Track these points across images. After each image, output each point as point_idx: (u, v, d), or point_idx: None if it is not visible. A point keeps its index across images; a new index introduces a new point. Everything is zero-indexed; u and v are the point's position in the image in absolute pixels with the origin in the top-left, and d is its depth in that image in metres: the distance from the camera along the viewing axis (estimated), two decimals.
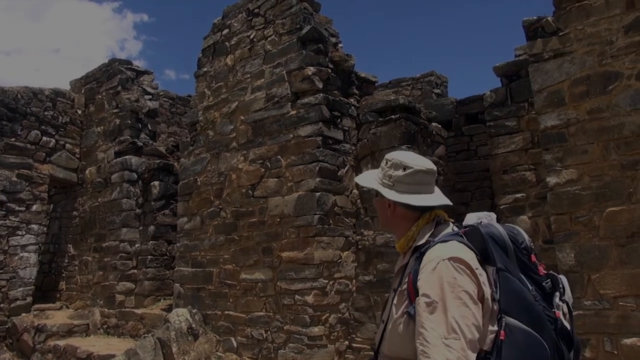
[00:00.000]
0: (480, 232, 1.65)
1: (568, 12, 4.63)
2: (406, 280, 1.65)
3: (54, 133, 10.03)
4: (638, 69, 4.22)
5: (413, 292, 1.59)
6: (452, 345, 1.42)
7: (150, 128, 9.94)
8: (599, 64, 4.42)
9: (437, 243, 1.63)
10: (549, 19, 4.77)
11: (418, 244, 1.70)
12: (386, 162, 1.81)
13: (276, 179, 6.56)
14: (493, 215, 1.78)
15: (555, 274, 1.67)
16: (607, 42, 4.39)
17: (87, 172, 10.17)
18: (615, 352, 4.09)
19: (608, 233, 4.23)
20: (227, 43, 7.70)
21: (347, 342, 6.18)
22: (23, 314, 8.87)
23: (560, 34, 4.67)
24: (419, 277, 1.57)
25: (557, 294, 1.64)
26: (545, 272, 1.64)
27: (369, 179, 1.88)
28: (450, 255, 1.56)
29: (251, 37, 7.32)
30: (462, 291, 1.49)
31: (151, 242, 9.00)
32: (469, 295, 1.49)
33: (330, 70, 6.61)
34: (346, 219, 6.43)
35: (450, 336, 1.43)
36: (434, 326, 1.45)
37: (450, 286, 1.50)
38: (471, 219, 1.86)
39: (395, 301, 1.68)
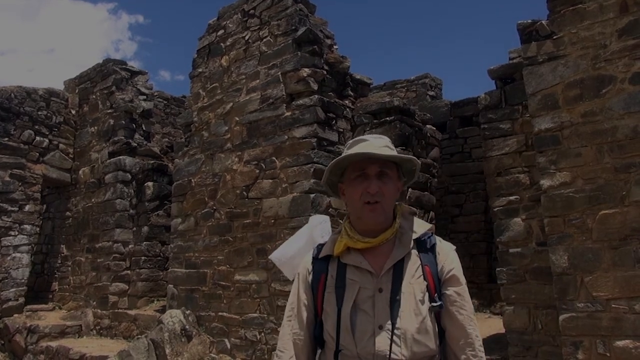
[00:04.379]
0: None
1: (562, 16, 4.65)
2: (420, 274, 1.61)
3: (47, 133, 9.97)
4: (631, 72, 4.24)
5: (434, 285, 1.60)
6: (476, 326, 1.63)
7: (144, 128, 9.91)
8: (593, 67, 4.44)
9: (433, 235, 1.72)
10: (543, 22, 4.78)
11: (418, 236, 1.67)
12: (390, 142, 1.75)
13: (271, 180, 6.55)
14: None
15: None
16: (601, 45, 4.41)
17: (80, 172, 10.12)
18: (608, 355, 4.10)
19: (601, 236, 4.24)
20: (222, 44, 7.69)
21: None
22: (15, 315, 8.81)
23: (554, 37, 4.68)
24: (450, 268, 1.65)
25: None
26: None
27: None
28: (454, 247, 1.72)
29: (246, 38, 7.31)
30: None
31: (145, 242, 8.96)
32: None
33: (325, 72, 6.61)
34: (340, 221, 6.41)
35: (474, 318, 1.64)
36: None
37: (463, 275, 1.67)
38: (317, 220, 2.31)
39: (404, 297, 1.57)
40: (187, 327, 6.80)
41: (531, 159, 5.05)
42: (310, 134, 6.25)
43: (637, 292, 4.02)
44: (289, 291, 6.17)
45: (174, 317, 6.86)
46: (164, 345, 6.44)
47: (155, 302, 8.77)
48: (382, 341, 1.53)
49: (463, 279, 1.64)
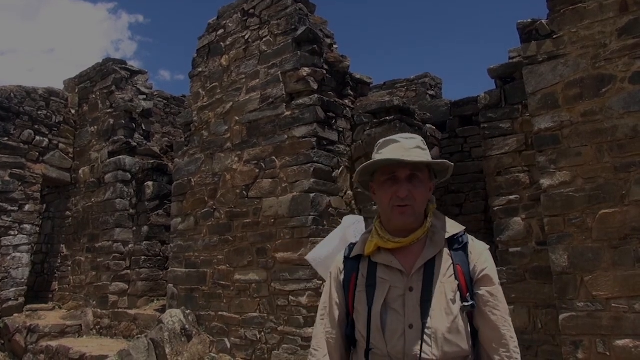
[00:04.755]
0: None
1: (562, 15, 4.65)
2: (452, 273, 1.60)
3: (47, 132, 9.97)
4: (631, 72, 4.25)
5: (465, 284, 1.58)
6: (511, 327, 1.60)
7: (144, 128, 9.90)
8: (593, 66, 4.44)
9: (465, 234, 1.69)
10: (543, 21, 4.78)
11: (451, 234, 1.66)
12: (423, 142, 1.70)
13: (271, 180, 6.55)
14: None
15: None
16: (601, 45, 4.41)
17: (80, 172, 10.12)
18: (608, 354, 4.11)
19: (601, 235, 4.24)
20: (222, 43, 7.69)
21: None
22: (15, 315, 8.80)
23: (554, 36, 4.68)
24: (483, 267, 1.63)
25: None
26: None
27: (424, 157, 1.65)
28: (488, 247, 1.69)
29: (246, 37, 7.31)
30: None
31: (145, 242, 8.96)
32: None
33: (325, 72, 6.61)
34: (340, 220, 6.41)
35: (509, 319, 1.60)
36: None
37: (496, 275, 1.65)
38: (350, 220, 2.30)
39: (435, 296, 1.56)
40: (187, 326, 6.80)
41: (531, 159, 5.05)
42: (310, 134, 6.25)
43: (637, 292, 4.02)
44: (289, 291, 6.17)
45: (174, 317, 6.86)
46: (164, 345, 6.44)
47: (155, 301, 8.76)
48: (412, 341, 1.53)
49: (497, 279, 1.61)
